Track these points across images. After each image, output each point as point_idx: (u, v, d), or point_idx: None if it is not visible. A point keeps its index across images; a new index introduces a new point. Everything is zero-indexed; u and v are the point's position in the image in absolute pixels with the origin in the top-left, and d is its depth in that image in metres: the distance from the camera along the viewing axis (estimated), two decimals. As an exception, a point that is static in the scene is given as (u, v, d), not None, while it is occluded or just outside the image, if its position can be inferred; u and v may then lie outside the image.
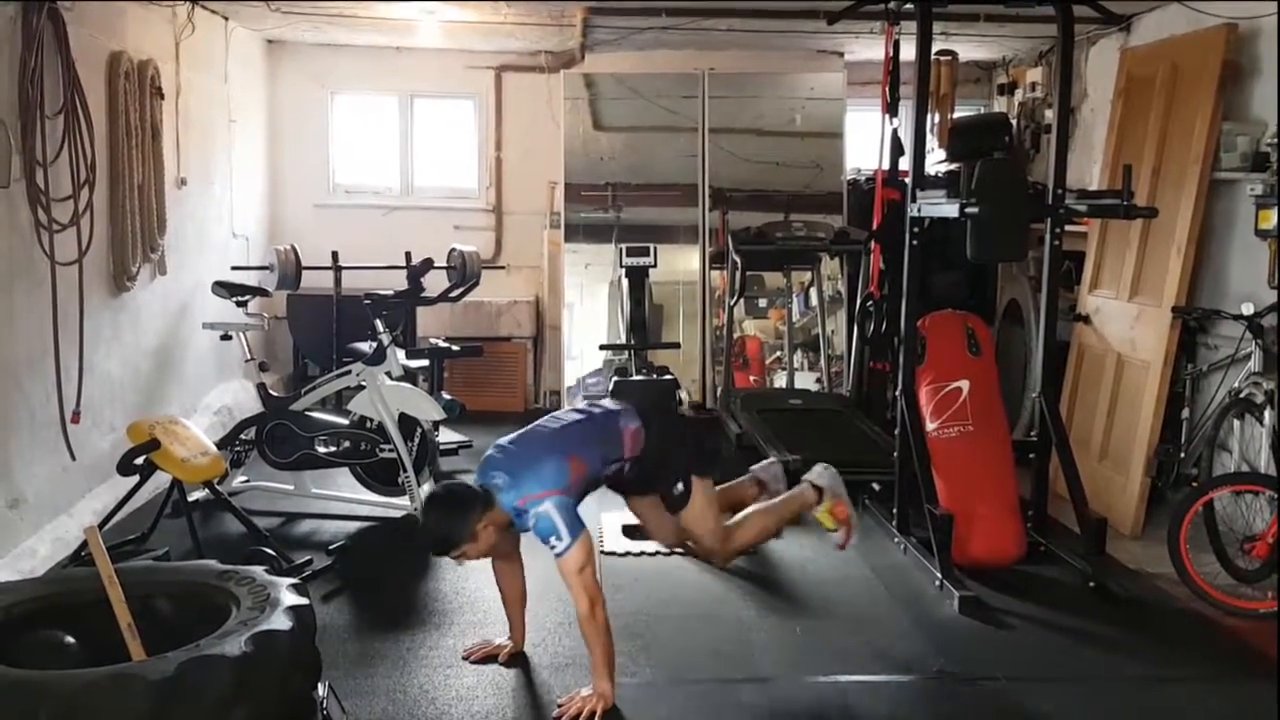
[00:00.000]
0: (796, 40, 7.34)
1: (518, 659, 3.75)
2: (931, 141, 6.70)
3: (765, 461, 4.62)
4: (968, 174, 4.51)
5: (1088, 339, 5.91)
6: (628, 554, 4.65)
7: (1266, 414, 4.53)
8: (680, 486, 3.82)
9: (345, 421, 5.32)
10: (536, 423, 3.75)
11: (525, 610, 3.82)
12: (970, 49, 7.44)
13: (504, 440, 3.63)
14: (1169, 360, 5.18)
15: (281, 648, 2.61)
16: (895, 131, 5.58)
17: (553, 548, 3.38)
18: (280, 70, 8.01)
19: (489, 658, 3.73)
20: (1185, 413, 5.19)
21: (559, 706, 3.37)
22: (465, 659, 3.73)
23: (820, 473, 4.32)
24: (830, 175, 7.76)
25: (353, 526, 5.21)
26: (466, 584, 4.48)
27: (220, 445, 5.10)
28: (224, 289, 5.57)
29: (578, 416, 3.74)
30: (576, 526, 3.39)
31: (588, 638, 3.40)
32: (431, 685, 3.55)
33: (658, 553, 4.62)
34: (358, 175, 8.33)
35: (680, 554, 4.31)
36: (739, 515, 4.14)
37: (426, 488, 5.28)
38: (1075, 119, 6.73)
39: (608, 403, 3.88)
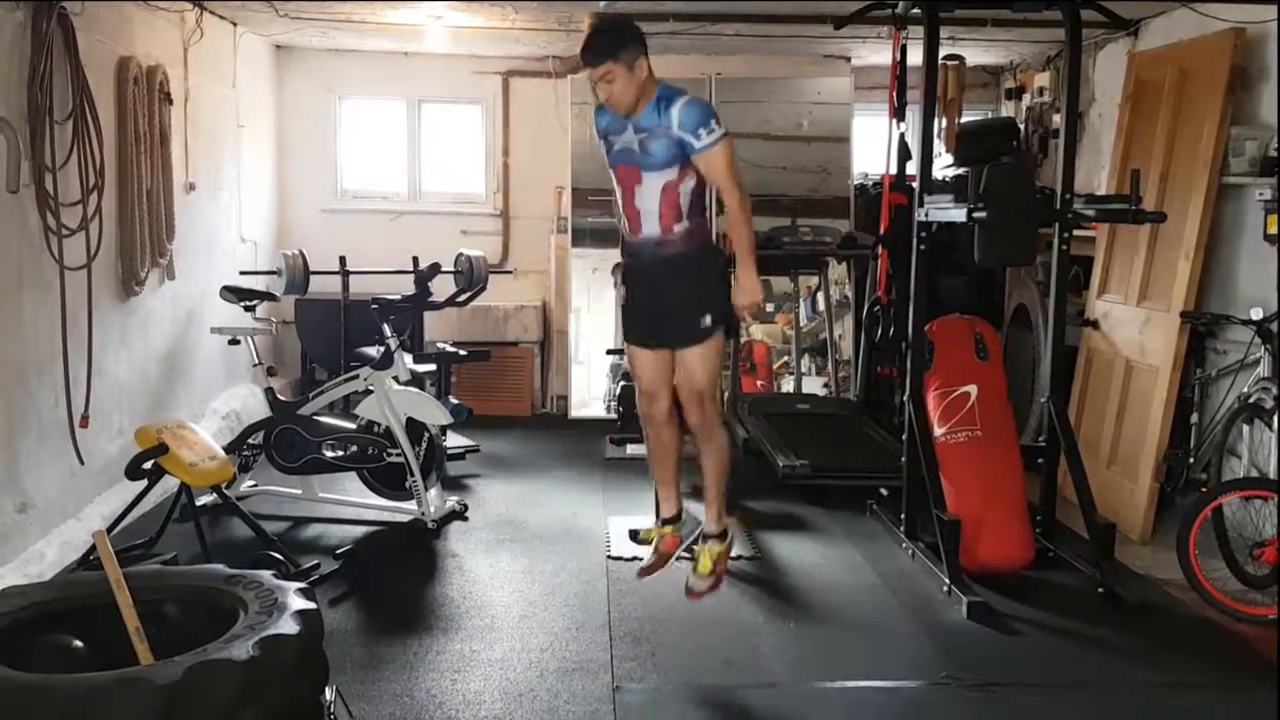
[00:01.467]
0: (803, 45, 7.34)
1: (524, 665, 3.74)
2: (939, 146, 6.69)
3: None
4: (975, 178, 4.52)
5: (1096, 344, 5.89)
6: (635, 558, 4.63)
7: (1276, 419, 4.51)
8: (708, 320, 3.72)
9: (353, 426, 5.33)
10: None
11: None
12: (977, 53, 7.44)
13: None
14: (1178, 365, 5.17)
15: (289, 652, 2.60)
16: (902, 136, 5.58)
17: (699, 137, 3.49)
18: (288, 75, 8.03)
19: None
20: (1194, 418, 5.17)
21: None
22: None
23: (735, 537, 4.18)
24: (837, 180, 7.76)
25: (360, 531, 5.21)
26: (474, 588, 4.48)
27: (228, 450, 5.10)
28: (232, 294, 5.58)
29: None
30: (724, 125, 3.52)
31: (737, 228, 3.53)
32: (439, 690, 3.55)
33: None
34: (365, 180, 8.34)
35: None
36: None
37: (434, 492, 5.29)
38: (1083, 123, 6.71)
39: None
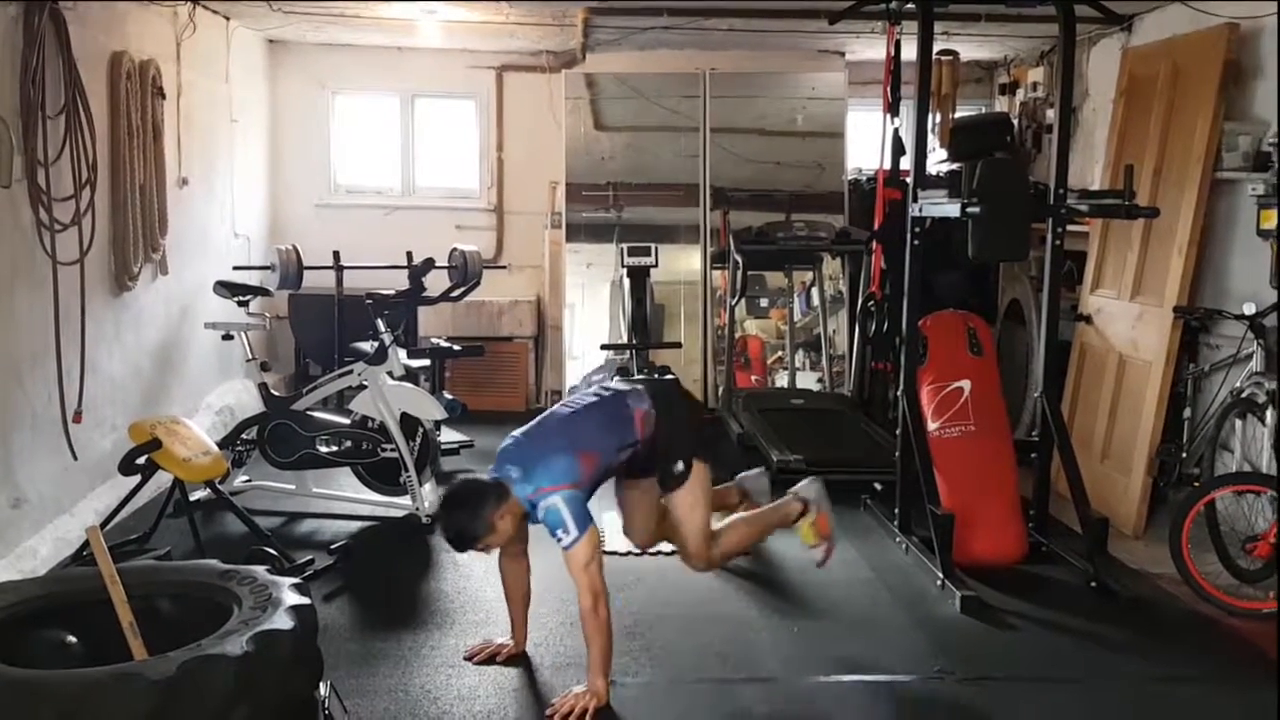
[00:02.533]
0: (798, 40, 7.34)
1: (519, 659, 3.75)
2: (933, 141, 6.70)
3: (753, 471, 4.57)
4: (969, 174, 4.51)
5: (1089, 339, 5.90)
6: (630, 554, 4.64)
7: (1268, 414, 4.52)
8: (681, 465, 3.75)
9: (347, 421, 5.33)
10: (550, 410, 3.76)
11: (528, 610, 3.82)
12: (972, 49, 7.44)
13: (518, 432, 3.64)
14: (1171, 360, 5.18)
15: (283, 647, 2.61)
16: (896, 131, 5.58)
17: (559, 540, 3.40)
18: (281, 70, 8.01)
19: (491, 658, 3.73)
20: (1187, 412, 5.18)
21: (551, 705, 3.37)
22: (467, 659, 3.73)
23: (806, 486, 4.23)
24: (832, 175, 7.76)
25: (354, 526, 5.21)
26: (468, 583, 4.48)
27: (222, 445, 5.10)
28: (225, 289, 5.57)
29: (589, 401, 3.73)
30: (584, 521, 3.41)
31: (588, 634, 3.41)
32: (433, 684, 3.55)
33: (659, 552, 4.62)
34: (359, 175, 8.33)
35: (666, 554, 4.28)
36: (723, 523, 4.09)
37: (428, 487, 5.29)
38: (1077, 119, 6.72)
39: (617, 383, 3.89)
